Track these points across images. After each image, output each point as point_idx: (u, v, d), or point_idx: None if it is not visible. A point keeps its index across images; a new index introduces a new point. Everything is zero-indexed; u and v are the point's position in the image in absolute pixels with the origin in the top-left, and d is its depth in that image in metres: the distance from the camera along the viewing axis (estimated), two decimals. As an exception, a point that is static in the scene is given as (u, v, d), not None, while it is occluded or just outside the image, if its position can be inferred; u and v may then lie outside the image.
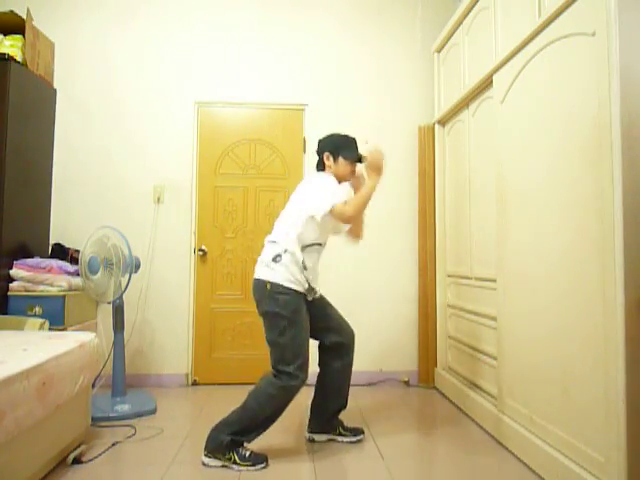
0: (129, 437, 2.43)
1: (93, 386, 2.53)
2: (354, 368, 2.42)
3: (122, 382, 2.89)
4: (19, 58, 2.94)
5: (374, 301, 3.55)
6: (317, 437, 2.41)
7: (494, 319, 2.52)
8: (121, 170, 3.49)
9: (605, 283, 1.66)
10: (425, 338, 3.48)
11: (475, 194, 2.86)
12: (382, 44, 3.67)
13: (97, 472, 2.07)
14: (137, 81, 3.54)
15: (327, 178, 2.23)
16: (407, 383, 3.51)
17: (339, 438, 2.41)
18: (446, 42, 3.32)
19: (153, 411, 2.82)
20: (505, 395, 2.38)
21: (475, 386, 2.83)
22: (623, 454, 1.58)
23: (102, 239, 2.83)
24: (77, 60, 3.52)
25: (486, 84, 2.67)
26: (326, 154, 2.31)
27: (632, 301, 1.59)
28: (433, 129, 3.51)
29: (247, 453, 2.10)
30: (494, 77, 2.53)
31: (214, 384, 3.41)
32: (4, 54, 2.83)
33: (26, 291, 2.79)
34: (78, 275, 2.93)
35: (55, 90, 3.38)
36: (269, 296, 2.12)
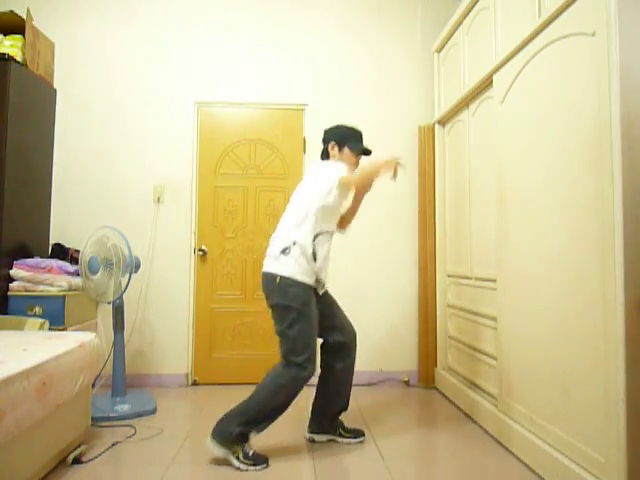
0: (129, 437, 2.43)
1: (93, 386, 2.53)
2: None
3: (122, 382, 2.89)
4: (19, 58, 2.94)
5: (374, 301, 3.55)
6: (317, 437, 2.41)
7: (494, 319, 2.52)
8: (121, 170, 3.49)
9: (605, 283, 1.66)
10: (425, 338, 3.48)
11: (475, 194, 2.86)
12: (382, 44, 3.67)
13: (97, 472, 2.07)
14: (137, 81, 3.55)
15: (333, 163, 2.26)
16: (407, 383, 3.51)
17: (339, 439, 2.41)
18: (446, 42, 3.32)
19: (153, 411, 2.82)
20: (505, 395, 2.38)
21: (475, 386, 2.83)
22: (623, 454, 1.58)
23: (102, 239, 2.83)
24: (77, 60, 3.52)
25: (486, 84, 2.67)
26: (332, 143, 2.33)
27: (632, 301, 1.59)
28: (433, 129, 3.51)
29: (251, 452, 2.11)
30: (494, 77, 2.53)
31: (214, 384, 3.41)
32: (4, 54, 2.83)
33: (26, 291, 2.79)
34: (78, 275, 2.93)
35: (55, 90, 3.37)
36: (279, 289, 2.13)
